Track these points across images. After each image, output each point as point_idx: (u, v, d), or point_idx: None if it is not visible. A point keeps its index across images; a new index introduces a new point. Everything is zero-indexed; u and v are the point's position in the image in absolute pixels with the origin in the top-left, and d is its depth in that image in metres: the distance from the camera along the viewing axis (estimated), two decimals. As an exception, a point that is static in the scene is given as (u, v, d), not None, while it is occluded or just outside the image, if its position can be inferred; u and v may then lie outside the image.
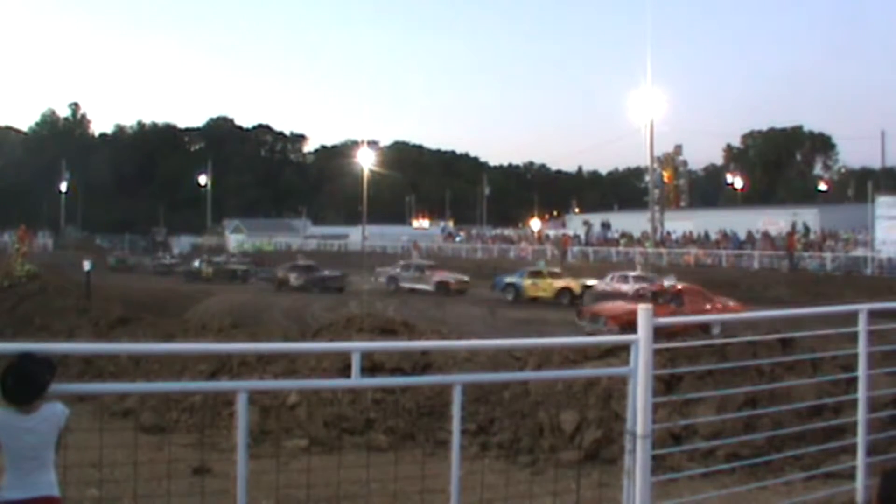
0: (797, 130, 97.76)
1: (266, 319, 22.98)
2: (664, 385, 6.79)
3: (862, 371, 4.61)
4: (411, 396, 8.27)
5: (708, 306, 20.90)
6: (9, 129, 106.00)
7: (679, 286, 23.25)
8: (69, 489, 4.10)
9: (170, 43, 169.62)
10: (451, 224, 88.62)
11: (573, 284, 30.95)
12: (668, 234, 50.91)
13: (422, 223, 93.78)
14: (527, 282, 31.74)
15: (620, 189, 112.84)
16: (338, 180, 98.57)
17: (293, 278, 36.99)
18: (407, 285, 35.50)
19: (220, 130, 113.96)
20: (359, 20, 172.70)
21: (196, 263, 47.13)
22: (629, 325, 20.33)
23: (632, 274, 31.49)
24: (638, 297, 22.89)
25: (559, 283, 31.21)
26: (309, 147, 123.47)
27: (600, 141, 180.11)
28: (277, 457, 6.26)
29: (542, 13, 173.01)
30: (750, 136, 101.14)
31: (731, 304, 22.35)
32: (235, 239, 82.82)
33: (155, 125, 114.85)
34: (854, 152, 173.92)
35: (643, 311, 4.00)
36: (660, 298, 21.13)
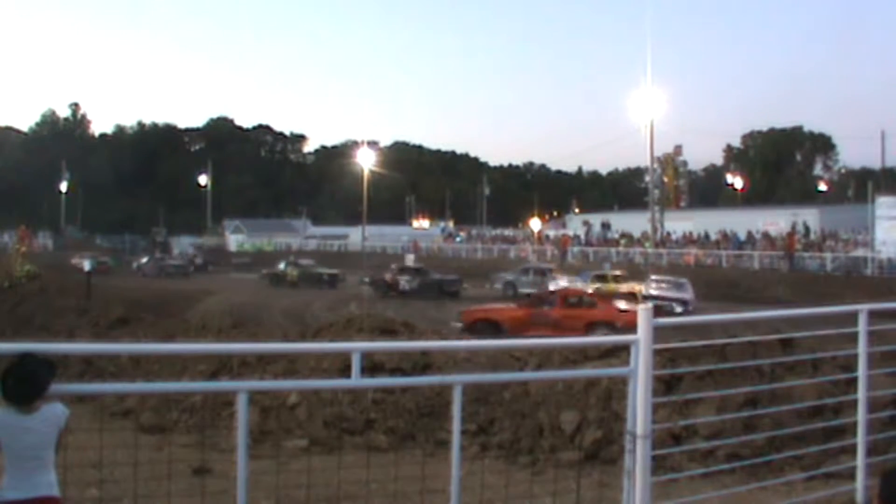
0: (797, 130, 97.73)
1: (266, 319, 22.98)
2: (664, 385, 6.79)
3: (862, 371, 4.61)
4: (411, 396, 8.27)
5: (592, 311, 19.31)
6: (9, 129, 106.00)
7: (570, 289, 22.67)
8: (69, 489, 4.10)
9: (170, 43, 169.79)
10: (451, 224, 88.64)
11: (637, 288, 29.22)
12: (668, 234, 50.93)
13: (422, 223, 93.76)
14: (591, 286, 29.57)
15: (620, 189, 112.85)
16: (338, 180, 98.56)
17: (404, 282, 33.67)
18: (526, 290, 33.65)
19: (220, 130, 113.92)
20: (359, 20, 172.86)
21: (281, 266, 41.37)
22: (476, 322, 19.88)
23: (654, 277, 30.65)
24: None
25: (624, 287, 29.64)
26: (309, 147, 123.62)
27: (600, 141, 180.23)
28: (277, 457, 6.27)
29: (542, 13, 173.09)
30: (750, 136, 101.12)
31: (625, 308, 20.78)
32: (235, 239, 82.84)
33: (155, 125, 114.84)
34: (854, 152, 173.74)
35: (643, 311, 4.01)
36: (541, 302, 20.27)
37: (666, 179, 66.51)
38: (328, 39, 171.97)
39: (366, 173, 68.08)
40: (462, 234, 71.52)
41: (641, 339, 3.91)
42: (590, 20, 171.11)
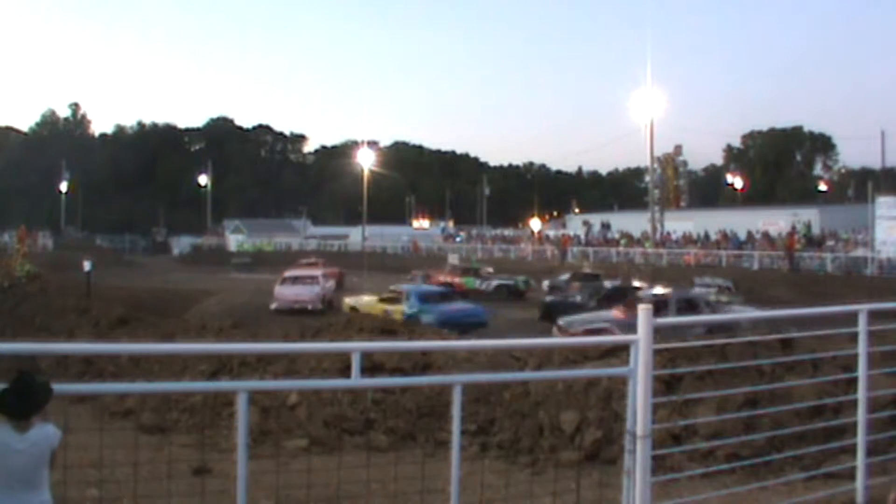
0: (797, 130, 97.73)
1: (266, 319, 22.95)
2: (664, 385, 6.78)
3: (862, 371, 4.61)
4: (411, 396, 8.27)
5: None
6: (9, 129, 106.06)
7: None
8: (69, 489, 4.10)
9: (170, 43, 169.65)
10: (451, 224, 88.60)
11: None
12: (668, 234, 50.87)
13: (422, 223, 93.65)
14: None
15: (620, 189, 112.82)
16: (338, 180, 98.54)
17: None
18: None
19: (220, 130, 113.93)
20: (359, 20, 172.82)
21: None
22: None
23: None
24: None
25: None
26: (309, 147, 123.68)
27: (600, 141, 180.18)
28: (277, 457, 6.27)
29: (543, 13, 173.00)
30: (750, 136, 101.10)
31: None
32: (235, 239, 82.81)
33: (155, 125, 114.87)
34: (854, 152, 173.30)
35: (643, 311, 4.00)
36: None
37: (666, 179, 66.51)
38: (328, 40, 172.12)
39: (366, 173, 68.16)
40: (462, 234, 71.48)
41: (641, 339, 3.91)
42: (590, 20, 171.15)
